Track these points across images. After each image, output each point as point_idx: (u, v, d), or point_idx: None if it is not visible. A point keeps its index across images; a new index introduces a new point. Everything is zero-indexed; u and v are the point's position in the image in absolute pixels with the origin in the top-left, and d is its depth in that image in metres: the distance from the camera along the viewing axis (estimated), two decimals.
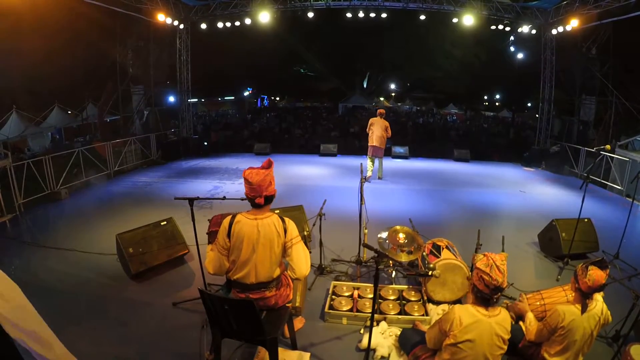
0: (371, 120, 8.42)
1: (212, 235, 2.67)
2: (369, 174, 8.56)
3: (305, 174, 9.56)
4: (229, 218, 2.49)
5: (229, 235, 2.44)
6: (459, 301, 3.51)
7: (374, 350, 2.93)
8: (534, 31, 11.12)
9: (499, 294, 2.04)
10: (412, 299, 3.55)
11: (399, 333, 2.93)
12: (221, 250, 2.47)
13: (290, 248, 2.47)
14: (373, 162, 8.54)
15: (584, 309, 2.20)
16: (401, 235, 3.83)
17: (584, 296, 2.22)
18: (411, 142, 13.14)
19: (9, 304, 2.07)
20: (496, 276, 1.98)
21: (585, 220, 4.69)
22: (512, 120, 23.16)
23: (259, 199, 2.42)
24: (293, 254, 2.47)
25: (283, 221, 2.50)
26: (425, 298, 3.54)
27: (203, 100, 28.51)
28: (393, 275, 3.97)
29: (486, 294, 2.02)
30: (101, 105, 13.30)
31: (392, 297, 3.55)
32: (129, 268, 4.00)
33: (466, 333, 2.02)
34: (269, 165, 2.48)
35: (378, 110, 8.55)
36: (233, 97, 33.10)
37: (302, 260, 2.48)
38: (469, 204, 7.18)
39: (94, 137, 15.57)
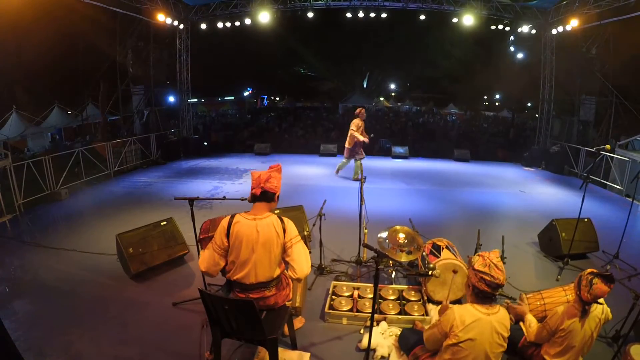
0: None
1: (204, 242, 2.68)
2: (336, 169, 8.89)
3: (305, 174, 9.55)
4: (228, 218, 2.49)
5: (227, 235, 2.44)
6: (458, 301, 3.51)
7: (374, 350, 2.93)
8: (533, 31, 11.11)
9: (500, 290, 2.08)
10: (412, 299, 3.55)
11: (399, 333, 2.94)
12: (216, 249, 2.47)
13: (290, 248, 2.47)
14: (347, 164, 8.66)
15: (582, 316, 2.20)
16: (401, 235, 3.83)
17: (583, 304, 2.21)
18: (411, 142, 13.13)
19: None
20: (497, 275, 2.02)
21: (585, 220, 4.69)
22: (512, 120, 23.14)
23: (257, 189, 2.48)
24: (293, 253, 2.47)
25: (282, 221, 2.50)
26: (425, 298, 3.54)
27: (203, 100, 28.52)
28: (393, 276, 3.97)
29: (488, 293, 2.04)
30: (102, 105, 13.30)
31: (392, 297, 3.55)
32: (129, 268, 4.00)
33: (467, 332, 2.02)
34: (275, 166, 2.58)
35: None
36: (233, 97, 33.11)
37: (302, 260, 2.48)
38: (469, 204, 7.18)
39: (94, 137, 15.56)
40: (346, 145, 8.19)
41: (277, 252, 2.47)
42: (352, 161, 8.49)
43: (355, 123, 8.00)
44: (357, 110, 8.25)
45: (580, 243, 4.57)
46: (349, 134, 8.08)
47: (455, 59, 22.25)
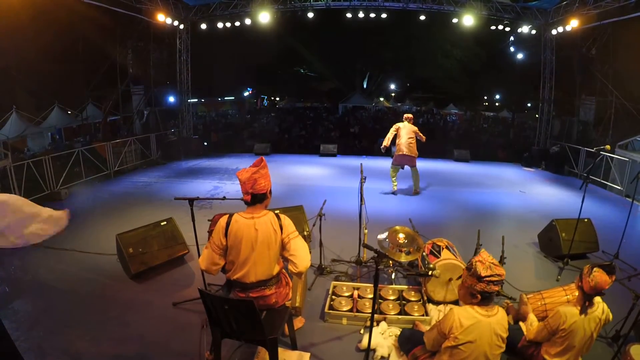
0: (397, 125, 7.23)
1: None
2: (394, 187, 7.57)
3: (305, 174, 9.55)
4: (225, 217, 2.51)
5: (225, 234, 2.45)
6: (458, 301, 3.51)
7: (374, 350, 2.93)
8: (533, 31, 11.12)
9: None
10: (412, 299, 3.55)
11: (398, 333, 2.94)
12: (215, 249, 2.49)
13: (289, 243, 2.49)
14: (397, 172, 7.50)
15: (583, 310, 2.20)
16: (401, 236, 3.82)
17: (585, 297, 2.22)
18: None
19: None
20: (500, 271, 2.07)
21: (585, 220, 4.69)
22: (512, 120, 23.14)
23: (246, 196, 2.48)
24: (292, 248, 2.49)
25: (279, 218, 2.52)
26: (425, 298, 3.54)
27: (203, 100, 28.49)
28: (393, 276, 3.97)
29: (495, 291, 2.08)
30: (106, 105, 13.33)
31: (392, 297, 3.55)
32: (129, 268, 4.00)
33: (467, 335, 2.03)
34: (259, 164, 2.51)
35: (405, 115, 7.34)
36: (233, 97, 33.08)
37: (302, 253, 2.49)
38: (469, 204, 7.18)
39: (94, 137, 15.56)
40: (413, 154, 7.16)
41: (275, 248, 2.49)
42: (404, 168, 7.50)
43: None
44: (411, 116, 7.34)
45: (580, 243, 4.57)
46: (413, 142, 7.11)
47: (455, 59, 22.26)
